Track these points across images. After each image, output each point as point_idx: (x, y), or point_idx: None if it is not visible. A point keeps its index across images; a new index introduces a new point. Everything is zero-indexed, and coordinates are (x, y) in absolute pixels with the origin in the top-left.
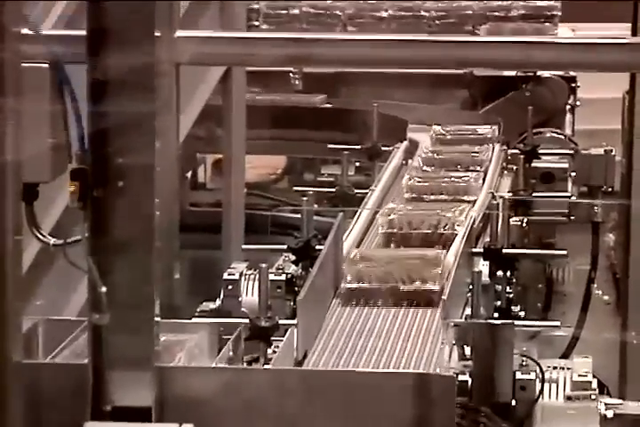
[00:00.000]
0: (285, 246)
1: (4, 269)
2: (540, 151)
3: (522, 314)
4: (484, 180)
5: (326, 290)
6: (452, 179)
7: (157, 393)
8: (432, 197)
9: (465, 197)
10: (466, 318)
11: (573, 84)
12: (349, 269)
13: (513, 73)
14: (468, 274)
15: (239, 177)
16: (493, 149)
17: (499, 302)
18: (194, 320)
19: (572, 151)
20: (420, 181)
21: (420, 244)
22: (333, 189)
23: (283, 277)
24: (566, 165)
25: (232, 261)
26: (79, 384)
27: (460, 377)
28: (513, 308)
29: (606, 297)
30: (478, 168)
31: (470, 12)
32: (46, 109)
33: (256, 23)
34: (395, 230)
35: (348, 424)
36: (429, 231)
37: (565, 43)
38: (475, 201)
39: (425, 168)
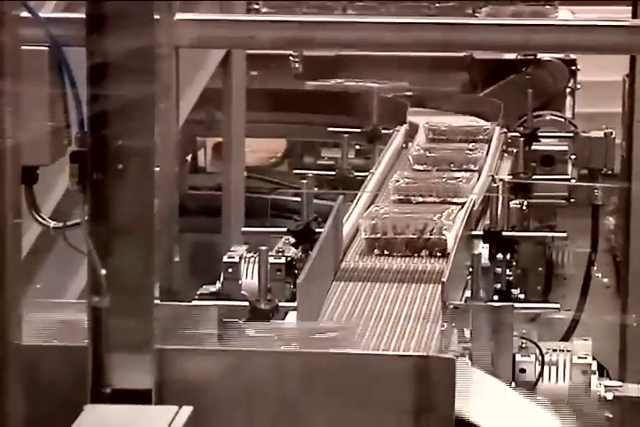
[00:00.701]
0: (285, 229)
1: (3, 252)
2: (540, 134)
3: (521, 297)
4: (477, 179)
5: (326, 272)
6: (443, 179)
7: (157, 376)
8: (420, 199)
9: (455, 200)
10: (466, 301)
11: (573, 68)
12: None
13: (513, 56)
14: (467, 257)
15: (239, 160)
16: (489, 147)
17: (498, 285)
18: (194, 303)
19: (571, 134)
20: (408, 182)
21: (406, 249)
22: (333, 173)
23: (282, 259)
24: (566, 148)
25: (232, 244)
26: (79, 367)
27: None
28: (513, 290)
29: (606, 280)
30: (472, 167)
31: None
32: (45, 92)
33: (256, 6)
34: (378, 236)
35: (347, 406)
36: (415, 236)
37: (565, 25)
38: (464, 203)
39: (416, 166)
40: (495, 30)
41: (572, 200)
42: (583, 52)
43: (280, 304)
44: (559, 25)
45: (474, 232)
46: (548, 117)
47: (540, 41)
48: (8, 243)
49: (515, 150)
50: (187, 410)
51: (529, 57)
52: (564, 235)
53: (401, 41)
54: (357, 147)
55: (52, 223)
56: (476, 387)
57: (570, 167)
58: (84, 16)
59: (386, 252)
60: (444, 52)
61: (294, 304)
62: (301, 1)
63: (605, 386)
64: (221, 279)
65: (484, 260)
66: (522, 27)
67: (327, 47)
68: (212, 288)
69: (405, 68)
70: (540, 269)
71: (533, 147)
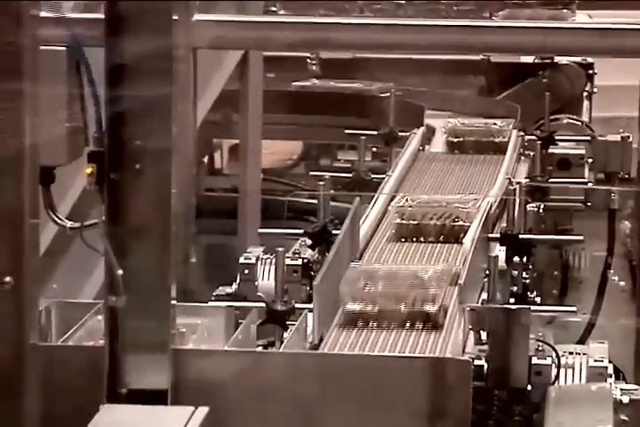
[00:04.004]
0: (302, 231)
1: (21, 252)
2: (557, 137)
3: (538, 300)
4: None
5: (342, 274)
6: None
7: (173, 376)
8: (423, 222)
9: (459, 223)
10: (482, 303)
11: (590, 71)
12: None
13: (530, 60)
14: (484, 259)
15: (255, 162)
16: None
17: (515, 288)
18: (210, 304)
19: (588, 138)
20: (411, 205)
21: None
22: (350, 175)
23: (299, 261)
24: (583, 152)
25: (248, 246)
26: (95, 367)
27: (476, 362)
28: (529, 293)
29: (622, 284)
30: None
31: None
32: (63, 93)
33: (273, 8)
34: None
35: (362, 408)
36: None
37: (582, 28)
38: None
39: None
40: (512, 33)
41: (588, 204)
42: (600, 55)
43: (296, 306)
44: (576, 28)
45: (491, 235)
46: (565, 121)
47: (557, 44)
48: (26, 243)
49: (532, 153)
50: (202, 411)
51: (546, 61)
52: (581, 238)
53: (418, 43)
54: (374, 149)
55: (69, 223)
56: None
57: (586, 171)
58: (102, 16)
59: (414, 238)
60: (461, 55)
61: (310, 306)
62: (318, 1)
63: (621, 389)
64: (238, 281)
65: (501, 262)
66: (539, 29)
67: (343, 49)
68: (229, 289)
69: (422, 71)
70: (557, 272)
71: (550, 150)
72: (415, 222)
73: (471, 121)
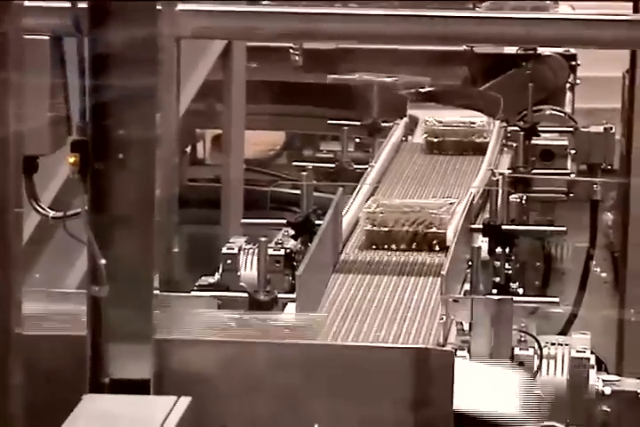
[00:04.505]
0: (284, 221)
1: (4, 241)
2: (540, 129)
3: (520, 291)
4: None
5: (325, 264)
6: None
7: (156, 366)
8: (395, 229)
9: (432, 230)
10: (465, 294)
11: (573, 63)
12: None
13: (513, 51)
14: (467, 250)
15: (238, 153)
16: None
17: (497, 279)
18: (192, 294)
19: (571, 129)
20: (382, 211)
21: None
22: (333, 165)
23: (282, 251)
24: (566, 143)
25: (231, 236)
26: (78, 356)
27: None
28: (511, 284)
29: (604, 275)
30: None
31: None
32: (46, 82)
33: None
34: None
35: (346, 397)
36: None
37: (566, 19)
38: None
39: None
40: (496, 23)
41: (571, 195)
42: (583, 46)
43: (279, 296)
44: (559, 19)
45: (473, 226)
46: (547, 112)
47: (540, 34)
48: (9, 232)
49: (514, 144)
50: (185, 400)
51: (529, 51)
52: (564, 229)
53: (401, 33)
54: (357, 140)
55: (52, 213)
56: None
57: (569, 162)
58: (86, 6)
59: (386, 246)
60: (445, 46)
61: (293, 296)
62: None
63: (603, 380)
64: (220, 271)
65: (484, 253)
66: (522, 20)
67: (328, 39)
68: (211, 279)
69: (405, 62)
70: (539, 263)
71: (533, 141)
72: (386, 229)
73: (450, 119)
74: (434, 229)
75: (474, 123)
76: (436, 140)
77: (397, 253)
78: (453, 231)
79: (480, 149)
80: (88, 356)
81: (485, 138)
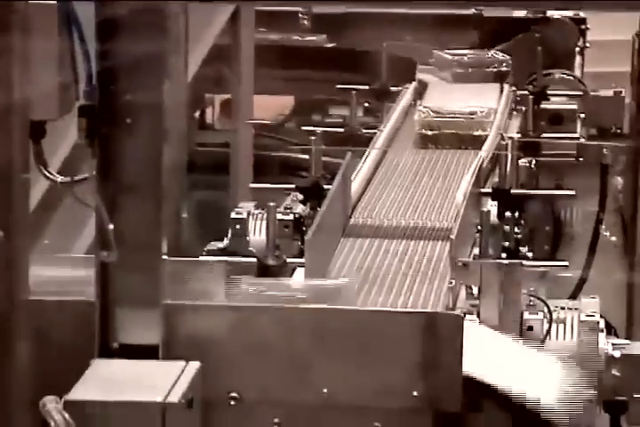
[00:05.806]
0: (293, 186)
1: (11, 206)
2: (549, 92)
3: (530, 255)
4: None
5: (335, 229)
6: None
7: (164, 331)
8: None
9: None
10: (474, 258)
11: (583, 26)
12: None
13: (522, 14)
14: (476, 214)
15: (247, 118)
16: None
17: (507, 243)
18: (201, 259)
19: (581, 93)
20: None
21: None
22: (342, 130)
23: (290, 216)
24: (575, 107)
25: (240, 201)
26: (87, 321)
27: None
28: (521, 248)
29: (614, 239)
30: None
31: None
32: (54, 47)
33: None
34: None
35: (355, 362)
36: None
37: None
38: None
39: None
40: None
41: (580, 159)
42: (594, 8)
43: (288, 261)
44: None
45: (482, 190)
46: (557, 76)
47: None
48: (16, 197)
49: (524, 109)
50: (194, 365)
51: (538, 15)
52: (573, 193)
53: None
54: (366, 104)
55: (60, 178)
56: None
57: (579, 126)
58: None
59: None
60: (453, 9)
61: (302, 260)
62: None
63: (613, 344)
64: (229, 236)
65: (493, 217)
66: None
67: (336, 3)
68: (220, 245)
69: (413, 26)
70: (548, 227)
71: (542, 105)
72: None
73: (447, 109)
74: (479, 132)
75: (474, 113)
76: (430, 133)
77: (407, 217)
78: (462, 195)
79: (480, 144)
80: (97, 321)
81: (485, 130)
